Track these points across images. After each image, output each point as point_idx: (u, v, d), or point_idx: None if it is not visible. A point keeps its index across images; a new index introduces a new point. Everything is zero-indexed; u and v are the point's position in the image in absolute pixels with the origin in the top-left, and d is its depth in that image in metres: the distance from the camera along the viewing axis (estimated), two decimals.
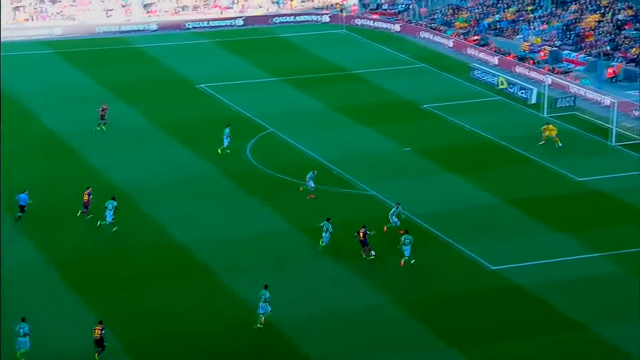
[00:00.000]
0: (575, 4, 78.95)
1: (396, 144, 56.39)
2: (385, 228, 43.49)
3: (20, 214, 44.80)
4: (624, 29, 72.81)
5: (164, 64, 74.32)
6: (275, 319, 36.99)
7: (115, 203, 44.35)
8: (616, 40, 71.45)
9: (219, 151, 53.70)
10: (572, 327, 36.76)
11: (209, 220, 46.09)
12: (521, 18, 79.86)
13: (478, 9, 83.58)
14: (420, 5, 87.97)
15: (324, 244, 42.28)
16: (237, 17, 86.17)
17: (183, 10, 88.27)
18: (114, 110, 59.99)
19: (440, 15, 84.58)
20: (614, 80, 67.65)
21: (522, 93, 64.53)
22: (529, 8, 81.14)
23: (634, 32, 71.76)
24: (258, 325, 36.48)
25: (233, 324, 37.09)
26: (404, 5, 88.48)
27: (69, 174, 51.26)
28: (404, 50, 77.38)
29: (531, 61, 70.89)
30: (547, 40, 75.40)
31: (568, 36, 74.96)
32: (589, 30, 73.79)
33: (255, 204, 47.98)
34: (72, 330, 36.38)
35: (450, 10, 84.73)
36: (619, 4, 76.27)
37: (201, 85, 68.50)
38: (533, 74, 69.11)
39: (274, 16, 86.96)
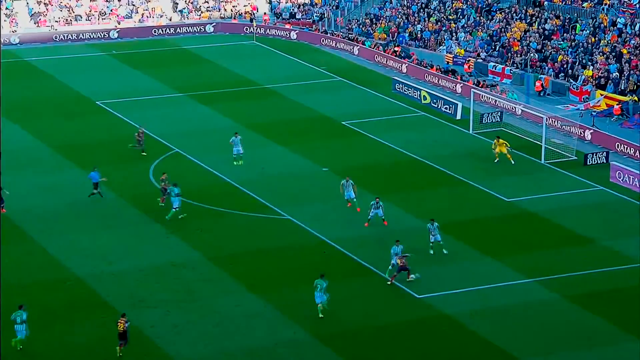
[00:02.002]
0: (501, 13, 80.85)
1: (313, 163, 56.88)
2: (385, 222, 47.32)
3: (95, 191, 50.16)
4: (552, 39, 74.82)
5: (57, 79, 73.60)
6: (184, 356, 36.99)
7: (177, 190, 48.08)
8: (544, 50, 73.36)
9: (240, 162, 55.41)
10: (502, 358, 37.51)
11: (109, 251, 45.76)
12: (444, 28, 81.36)
13: (398, 18, 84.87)
14: (336, 15, 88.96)
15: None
16: (112, 29, 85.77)
17: (76, 20, 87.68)
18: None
19: (357, 25, 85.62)
20: (542, 94, 69.46)
21: (445, 109, 65.76)
22: (452, 17, 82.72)
23: (562, 42, 73.79)
24: (320, 315, 38.95)
25: None
26: (318, 15, 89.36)
27: None
28: (318, 62, 78.12)
29: (458, 76, 72.23)
30: (472, 52, 76.99)
31: (493, 47, 76.67)
32: (514, 40, 75.56)
33: (160, 232, 47.86)
34: None
35: (368, 21, 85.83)
36: (546, 13, 78.37)
37: (99, 102, 68.05)
38: (457, 88, 70.48)
39: (152, 28, 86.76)
